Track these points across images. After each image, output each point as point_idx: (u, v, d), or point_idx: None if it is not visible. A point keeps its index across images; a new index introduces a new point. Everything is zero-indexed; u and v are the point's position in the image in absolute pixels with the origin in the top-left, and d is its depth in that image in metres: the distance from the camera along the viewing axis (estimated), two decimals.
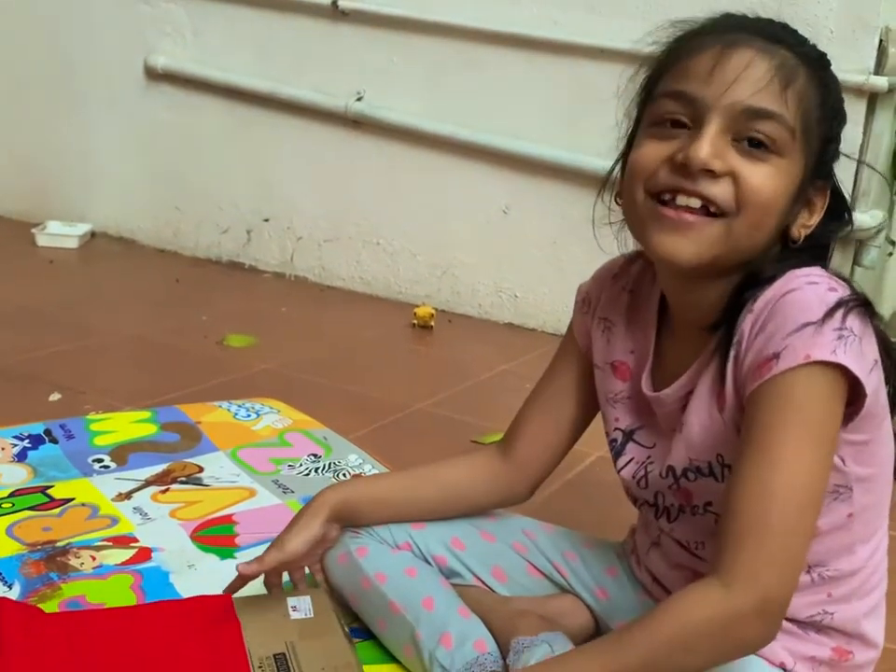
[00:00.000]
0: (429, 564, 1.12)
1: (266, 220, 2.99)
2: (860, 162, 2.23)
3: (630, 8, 2.37)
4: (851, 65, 2.16)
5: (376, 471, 1.62)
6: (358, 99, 2.75)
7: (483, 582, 1.12)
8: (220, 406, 1.84)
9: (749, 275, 0.89)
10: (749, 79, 0.84)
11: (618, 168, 0.95)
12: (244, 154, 2.98)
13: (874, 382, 0.85)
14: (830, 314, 0.81)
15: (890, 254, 2.69)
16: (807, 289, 0.84)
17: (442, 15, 2.60)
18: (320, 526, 1.10)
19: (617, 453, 1.04)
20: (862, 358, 0.83)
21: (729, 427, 0.90)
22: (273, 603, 1.09)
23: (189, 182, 3.08)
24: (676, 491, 0.97)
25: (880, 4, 2.17)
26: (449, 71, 2.64)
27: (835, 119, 0.90)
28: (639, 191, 0.88)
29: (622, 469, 1.03)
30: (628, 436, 1.03)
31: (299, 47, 2.83)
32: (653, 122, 0.89)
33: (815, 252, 0.91)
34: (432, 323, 2.59)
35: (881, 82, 2.19)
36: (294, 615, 1.07)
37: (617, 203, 0.94)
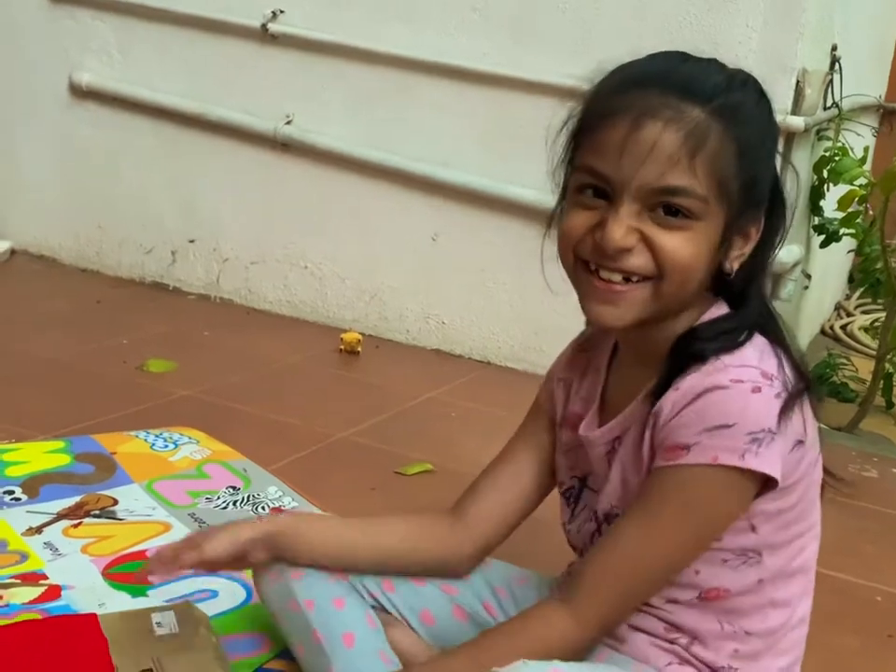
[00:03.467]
0: (363, 596, 1.11)
1: (192, 241, 2.95)
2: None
3: (558, 43, 2.40)
4: None
5: (296, 504, 1.60)
6: (287, 122, 2.74)
7: (411, 626, 1.12)
8: (137, 436, 1.81)
9: (688, 337, 0.92)
10: (657, 159, 0.86)
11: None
12: (170, 174, 2.94)
13: (794, 459, 0.91)
14: (746, 418, 0.86)
15: (806, 287, 2.77)
16: (731, 390, 0.86)
17: (372, 42, 2.60)
18: (248, 541, 1.06)
19: (575, 499, 1.07)
20: (776, 454, 0.87)
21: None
22: (137, 619, 1.11)
23: (112, 201, 3.03)
24: (595, 533, 1.01)
25: (797, 46, 2.24)
26: (379, 98, 2.64)
27: (759, 158, 0.90)
28: (570, 256, 0.93)
29: (571, 519, 1.07)
30: (583, 482, 1.06)
31: (228, 68, 2.81)
32: (577, 190, 0.92)
33: (747, 286, 0.93)
34: (359, 348, 2.58)
35: (798, 122, 2.25)
36: (159, 631, 1.09)
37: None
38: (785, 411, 0.87)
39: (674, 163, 0.86)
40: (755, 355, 0.89)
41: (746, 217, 0.91)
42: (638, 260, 0.89)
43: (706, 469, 0.87)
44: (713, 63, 0.92)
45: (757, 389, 0.86)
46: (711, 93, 0.88)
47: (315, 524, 1.14)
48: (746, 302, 0.93)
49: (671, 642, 0.96)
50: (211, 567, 1.09)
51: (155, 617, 1.10)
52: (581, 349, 1.09)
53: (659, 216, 0.88)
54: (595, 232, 0.89)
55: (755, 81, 0.93)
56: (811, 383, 0.92)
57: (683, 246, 0.88)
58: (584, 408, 1.05)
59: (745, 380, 0.87)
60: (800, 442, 0.90)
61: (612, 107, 0.88)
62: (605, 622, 0.94)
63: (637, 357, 0.99)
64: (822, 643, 1.39)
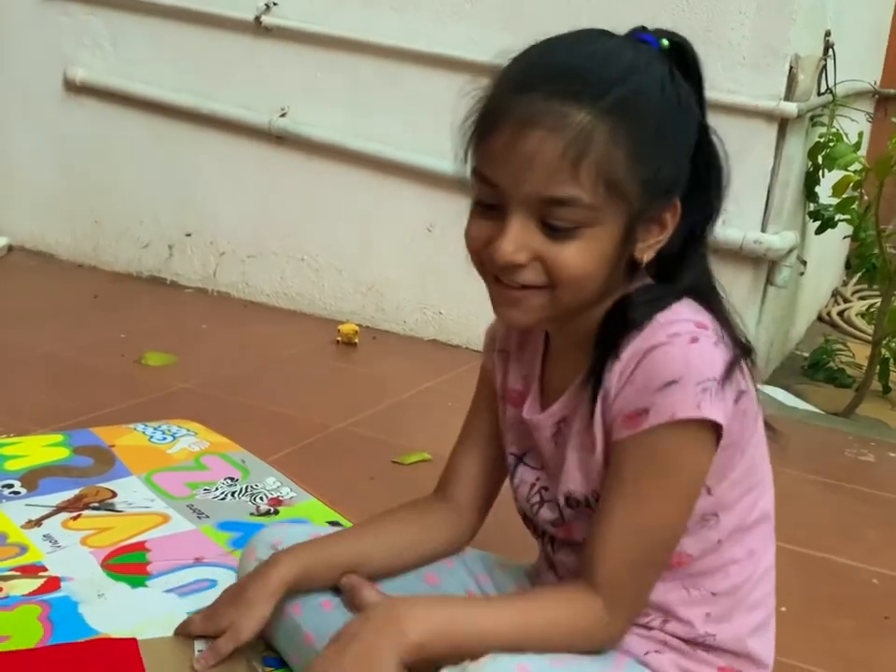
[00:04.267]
0: None
1: (188, 235, 2.95)
2: (771, 185, 2.30)
3: (551, 31, 2.40)
4: (763, 91, 2.22)
5: (294, 494, 1.61)
6: (282, 115, 2.74)
7: None
8: (135, 428, 1.81)
9: (617, 309, 0.92)
10: (538, 169, 0.83)
11: None
12: (166, 168, 2.94)
13: (742, 408, 0.91)
14: (691, 369, 0.85)
15: (802, 273, 2.77)
16: (670, 345, 0.86)
17: (365, 33, 2.60)
18: (274, 607, 1.05)
19: (511, 476, 1.08)
20: (723, 400, 0.87)
21: (600, 466, 0.94)
22: (179, 647, 1.08)
23: (109, 196, 3.03)
24: (560, 525, 1.01)
25: (789, 32, 2.24)
26: (373, 88, 2.64)
27: (661, 148, 0.87)
28: (475, 261, 0.92)
29: (515, 490, 1.07)
30: (519, 459, 1.06)
31: (222, 61, 2.81)
32: (476, 195, 0.90)
33: (669, 266, 0.93)
34: (356, 340, 2.58)
35: (791, 107, 2.25)
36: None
37: None
38: (730, 368, 0.87)
39: (556, 173, 0.83)
40: (687, 309, 0.90)
41: (652, 209, 0.88)
42: (529, 275, 0.88)
43: (667, 427, 0.86)
44: (623, 44, 0.88)
45: (694, 339, 0.87)
46: (603, 90, 0.84)
47: (323, 545, 1.11)
48: (678, 277, 0.92)
49: (647, 627, 0.96)
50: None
51: (198, 645, 1.07)
52: None
53: (548, 227, 0.86)
54: (488, 248, 0.88)
55: (681, 49, 0.89)
56: (747, 348, 0.91)
57: (576, 257, 0.86)
58: (525, 386, 1.05)
59: (681, 332, 0.87)
60: (742, 392, 0.90)
61: (497, 112, 0.87)
62: (630, 608, 0.94)
63: (568, 340, 0.99)
64: (819, 625, 1.41)
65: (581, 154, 0.83)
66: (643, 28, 0.91)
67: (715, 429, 0.88)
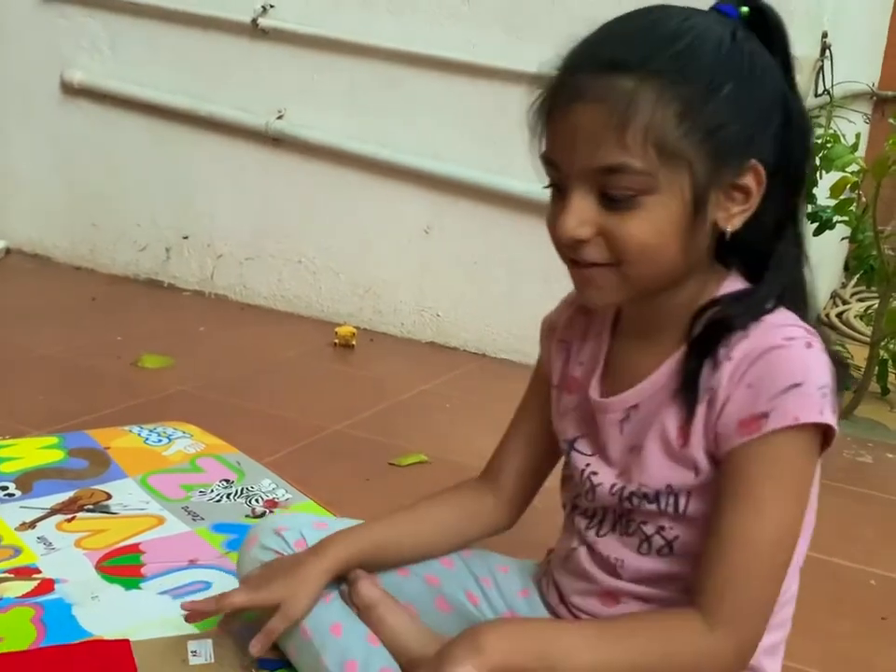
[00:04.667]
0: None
1: (185, 238, 2.95)
2: None
3: (548, 33, 2.40)
4: None
5: (290, 496, 1.60)
6: (279, 117, 2.74)
7: None
8: (131, 431, 1.81)
9: (712, 308, 0.90)
10: (587, 139, 0.84)
11: None
12: (163, 171, 2.94)
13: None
14: (812, 373, 0.84)
15: None
16: (789, 348, 0.85)
17: (362, 36, 2.60)
18: (325, 586, 1.04)
19: (564, 464, 1.07)
20: (834, 410, 0.86)
21: (685, 463, 0.92)
22: (172, 647, 1.07)
23: (106, 199, 3.03)
24: (616, 506, 0.98)
25: (788, 32, 2.24)
26: (370, 91, 2.64)
27: (714, 105, 0.83)
28: (556, 249, 0.92)
29: (565, 478, 1.06)
30: (571, 445, 1.04)
31: (219, 64, 2.80)
32: (548, 181, 0.92)
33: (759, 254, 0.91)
34: (354, 342, 2.58)
35: None
36: (194, 660, 1.05)
37: None
38: (839, 379, 0.87)
39: (603, 143, 0.83)
40: (792, 316, 0.89)
41: (725, 173, 0.85)
42: (594, 252, 0.88)
43: (789, 431, 0.84)
44: (683, 12, 0.86)
45: (809, 345, 0.86)
46: (649, 54, 0.83)
47: (379, 528, 1.09)
48: (766, 273, 0.90)
49: None
50: None
51: (191, 645, 1.06)
52: (582, 311, 1.07)
53: (607, 200, 0.86)
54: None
55: (762, 16, 0.86)
56: (843, 361, 0.91)
57: (638, 228, 0.85)
58: (585, 374, 1.03)
59: (796, 336, 0.86)
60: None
61: (553, 94, 0.88)
62: (745, 632, 0.87)
63: (642, 327, 0.98)
64: (817, 627, 1.40)
65: (625, 120, 0.83)
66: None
67: (824, 438, 0.88)
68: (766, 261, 0.91)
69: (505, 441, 1.15)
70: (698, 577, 0.89)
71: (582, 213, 0.86)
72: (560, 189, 0.89)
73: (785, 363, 0.85)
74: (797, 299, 0.91)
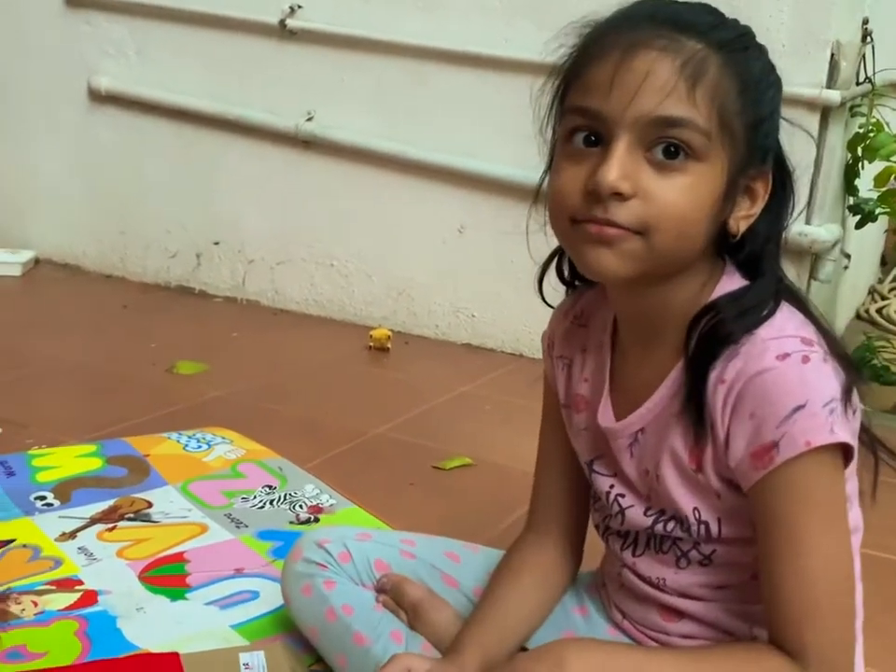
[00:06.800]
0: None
1: (216, 244, 2.92)
2: (814, 176, 2.23)
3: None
4: (804, 79, 2.16)
5: (334, 502, 1.56)
6: (309, 119, 2.71)
7: None
8: (169, 437, 1.77)
9: (705, 317, 0.86)
10: (652, 87, 0.78)
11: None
12: (192, 176, 2.91)
13: (853, 427, 0.84)
14: (814, 391, 0.79)
15: (846, 267, 2.70)
16: (784, 368, 0.80)
17: (391, 33, 2.56)
18: None
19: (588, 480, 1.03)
20: (848, 421, 0.81)
21: (706, 490, 0.89)
22: (224, 660, 1.04)
23: (135, 206, 3.01)
24: (649, 528, 0.95)
25: (830, 18, 2.18)
26: (400, 89, 2.60)
27: (762, 98, 0.84)
28: (565, 221, 0.84)
29: (594, 501, 1.02)
30: (589, 467, 1.01)
31: (247, 66, 2.77)
32: (566, 140, 0.85)
33: (753, 258, 0.88)
34: (389, 345, 2.54)
35: (834, 96, 2.19)
36: None
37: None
38: (849, 387, 0.81)
39: (672, 92, 0.78)
40: (789, 322, 0.84)
41: (752, 168, 0.84)
42: (624, 214, 0.80)
43: (803, 458, 0.80)
44: (707, 6, 0.86)
45: (806, 358, 0.80)
46: (712, 26, 0.82)
47: (497, 624, 1.03)
48: (761, 272, 0.87)
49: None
50: None
51: (243, 657, 1.04)
52: (578, 324, 1.03)
53: (657, 157, 0.80)
54: (587, 183, 0.81)
55: (752, 34, 0.87)
56: (851, 361, 0.85)
57: (682, 195, 0.80)
58: (593, 392, 0.99)
59: (791, 352, 0.80)
60: (855, 410, 0.84)
61: (601, 45, 0.82)
62: (834, 666, 0.83)
63: (640, 333, 0.92)
64: (880, 627, 1.34)
65: (698, 74, 0.79)
66: None
67: (844, 452, 0.83)
68: (753, 269, 0.88)
69: (537, 480, 1.09)
70: (770, 618, 0.85)
71: (627, 166, 0.80)
72: (596, 141, 0.82)
73: (782, 386, 0.80)
74: (791, 292, 0.88)
